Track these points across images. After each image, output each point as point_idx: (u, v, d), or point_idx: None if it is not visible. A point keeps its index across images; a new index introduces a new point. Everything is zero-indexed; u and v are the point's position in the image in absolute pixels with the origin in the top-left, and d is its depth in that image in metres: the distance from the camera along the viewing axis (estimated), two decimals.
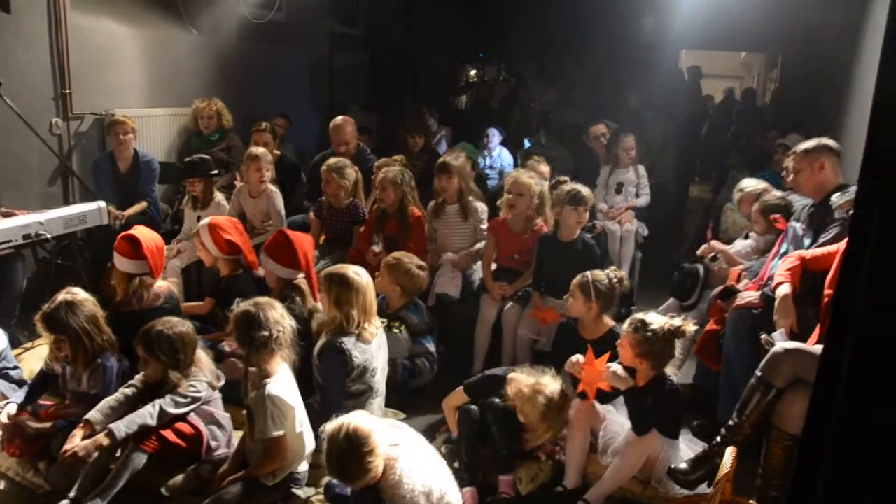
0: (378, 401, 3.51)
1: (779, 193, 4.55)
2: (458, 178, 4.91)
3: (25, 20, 5.19)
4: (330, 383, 3.34)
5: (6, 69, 4.95)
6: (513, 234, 4.66)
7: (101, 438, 2.97)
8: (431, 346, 4.16)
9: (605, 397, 3.34)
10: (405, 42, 10.72)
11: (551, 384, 3.22)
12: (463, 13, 11.42)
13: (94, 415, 3.08)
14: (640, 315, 3.22)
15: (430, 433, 3.70)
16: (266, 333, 2.96)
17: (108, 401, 3.16)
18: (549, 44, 11.57)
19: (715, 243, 4.72)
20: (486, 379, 3.47)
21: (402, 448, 2.60)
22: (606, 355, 3.26)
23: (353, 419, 2.50)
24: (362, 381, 3.38)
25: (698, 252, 4.82)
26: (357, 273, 3.45)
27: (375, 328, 3.49)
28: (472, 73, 12.96)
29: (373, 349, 3.42)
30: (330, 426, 2.51)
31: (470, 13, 11.46)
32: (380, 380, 3.50)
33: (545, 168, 5.72)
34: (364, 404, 3.36)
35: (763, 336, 3.24)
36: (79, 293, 3.37)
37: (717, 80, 15.63)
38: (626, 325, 3.22)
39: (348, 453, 2.43)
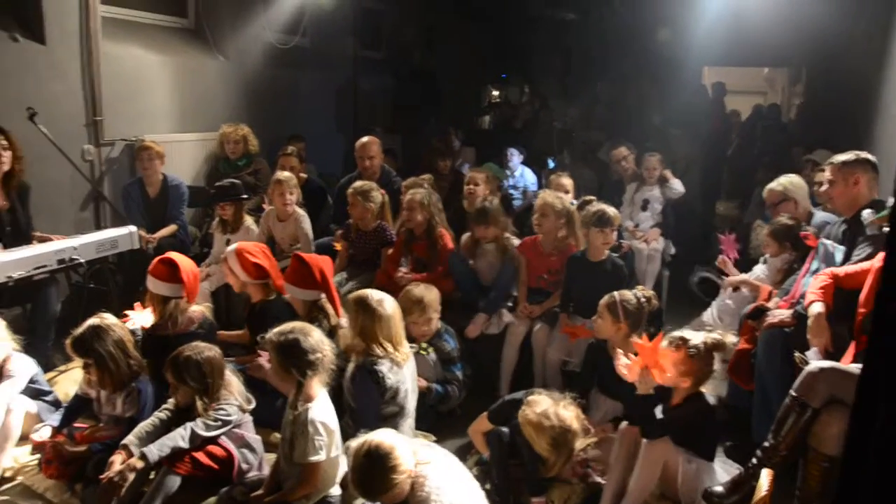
0: (409, 422, 3.51)
1: (788, 217, 4.53)
2: (494, 225, 4.80)
3: (59, 51, 5.34)
4: (364, 408, 3.34)
5: (41, 98, 5.08)
6: (543, 254, 4.66)
7: (135, 462, 3.00)
8: (460, 374, 4.13)
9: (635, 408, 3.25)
10: (428, 64, 10.81)
11: (561, 411, 3.06)
12: (484, 35, 11.50)
13: (130, 439, 3.11)
14: (677, 332, 3.18)
15: (460, 455, 3.66)
16: (309, 359, 2.97)
17: (144, 425, 3.19)
18: (572, 63, 11.61)
19: (732, 279, 4.70)
20: (505, 404, 3.42)
21: (432, 466, 2.57)
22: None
23: (376, 435, 2.49)
24: (395, 402, 3.38)
25: (717, 262, 4.83)
26: (381, 302, 3.44)
27: (406, 352, 3.49)
28: (495, 93, 13.01)
29: (405, 371, 3.43)
30: (354, 443, 2.50)
31: (491, 35, 11.53)
32: (411, 401, 3.50)
33: (567, 181, 5.72)
34: (396, 426, 3.35)
35: (797, 355, 3.20)
36: (108, 318, 3.43)
37: (740, 95, 15.53)
38: (664, 343, 3.18)
39: (371, 470, 2.42)
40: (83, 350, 3.31)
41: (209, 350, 3.26)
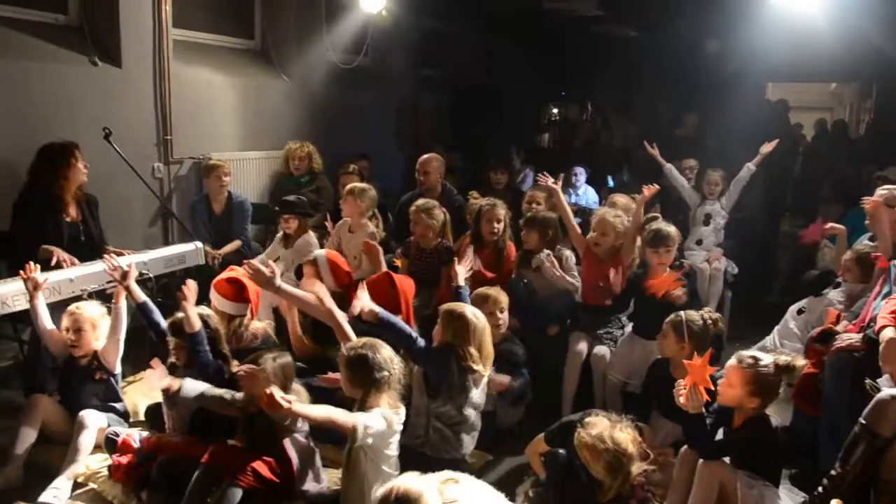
0: (473, 435, 3.53)
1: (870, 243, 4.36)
2: (538, 231, 4.82)
3: (134, 73, 5.59)
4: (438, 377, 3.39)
5: (117, 119, 5.31)
6: (599, 263, 4.61)
7: (174, 383, 3.33)
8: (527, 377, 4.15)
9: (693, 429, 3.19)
10: (488, 82, 10.87)
11: (617, 434, 2.97)
12: (543, 53, 11.51)
13: None
14: (746, 352, 3.11)
15: (516, 475, 3.68)
16: (379, 375, 3.00)
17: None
18: (632, 81, 11.52)
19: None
20: (562, 426, 3.40)
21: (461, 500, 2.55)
22: (708, 353, 3.12)
23: (403, 481, 2.45)
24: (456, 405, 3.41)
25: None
26: (476, 316, 3.47)
27: (485, 372, 3.50)
28: (555, 111, 12.99)
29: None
30: (380, 491, 2.47)
31: (551, 52, 11.54)
32: (475, 414, 3.51)
33: (623, 200, 5.65)
34: (458, 433, 3.42)
35: (868, 381, 3.10)
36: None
37: (806, 111, 15.17)
38: (733, 362, 3.10)
39: None
40: (179, 332, 3.58)
41: (284, 357, 3.34)
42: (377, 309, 3.39)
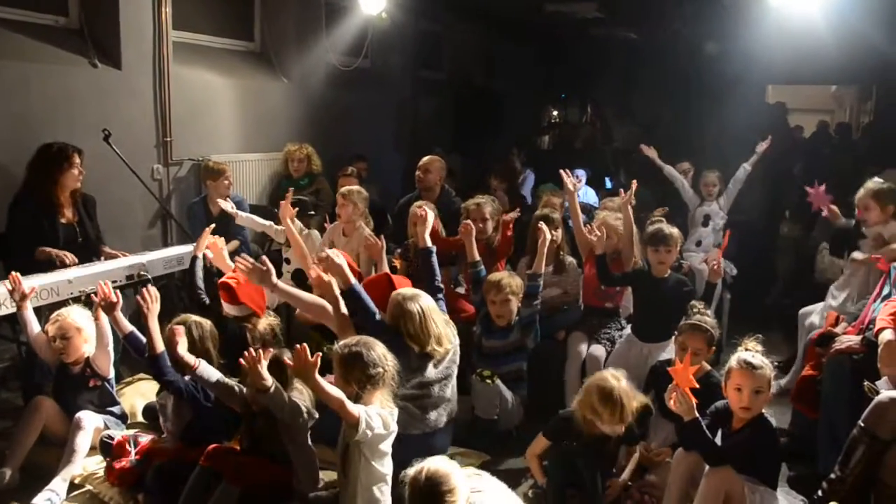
0: (444, 406, 3.56)
1: None
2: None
3: (134, 75, 5.59)
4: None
5: (116, 121, 5.31)
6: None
7: (191, 359, 3.21)
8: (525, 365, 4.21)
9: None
10: (487, 84, 10.88)
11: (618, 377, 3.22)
12: (543, 55, 11.53)
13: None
14: (744, 354, 3.11)
15: (515, 478, 3.66)
16: (373, 372, 3.00)
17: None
18: (631, 83, 11.53)
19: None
20: (559, 420, 3.44)
21: (485, 495, 2.59)
22: (688, 357, 3.16)
23: (432, 462, 2.52)
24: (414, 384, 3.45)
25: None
26: (414, 298, 3.51)
27: (441, 349, 3.54)
28: (555, 113, 13.01)
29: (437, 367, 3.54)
30: (411, 471, 2.53)
31: (551, 55, 11.56)
32: (438, 388, 3.54)
33: (616, 203, 5.63)
34: (424, 408, 3.46)
35: (866, 384, 3.09)
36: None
37: (807, 114, 15.19)
38: (733, 363, 3.09)
39: (429, 493, 2.44)
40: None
41: (287, 354, 3.31)
42: (350, 277, 3.51)
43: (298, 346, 2.83)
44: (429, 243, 4.05)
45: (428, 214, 4.25)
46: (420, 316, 3.45)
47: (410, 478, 2.51)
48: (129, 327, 3.60)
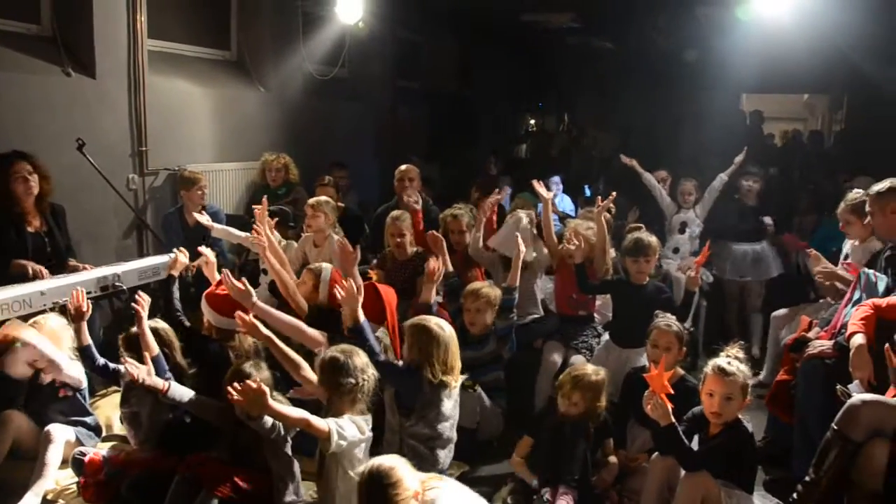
0: (449, 448, 3.52)
1: None
2: None
3: (108, 84, 5.53)
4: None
5: (90, 130, 5.25)
6: (572, 274, 4.59)
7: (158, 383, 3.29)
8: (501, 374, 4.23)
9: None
10: (465, 94, 10.92)
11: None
12: (520, 64, 11.60)
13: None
14: (720, 360, 3.13)
15: (495, 484, 3.66)
16: (352, 381, 3.01)
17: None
18: (608, 92, 11.63)
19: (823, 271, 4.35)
20: (537, 416, 3.64)
21: (442, 489, 2.60)
22: (662, 362, 3.19)
23: (379, 459, 2.56)
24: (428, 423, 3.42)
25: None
26: (441, 327, 3.47)
27: (455, 383, 3.50)
28: (532, 122, 13.08)
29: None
30: (359, 469, 2.56)
31: (528, 64, 11.62)
32: (448, 427, 3.50)
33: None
34: (433, 449, 3.42)
35: (839, 388, 3.13)
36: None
37: (780, 122, 15.38)
38: (708, 370, 3.12)
39: (373, 487, 2.46)
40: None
41: (261, 371, 3.30)
42: (361, 316, 3.44)
43: (239, 384, 2.80)
44: (361, 319, 3.48)
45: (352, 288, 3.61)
46: (446, 344, 3.44)
47: (359, 479, 2.56)
48: (87, 340, 3.65)
